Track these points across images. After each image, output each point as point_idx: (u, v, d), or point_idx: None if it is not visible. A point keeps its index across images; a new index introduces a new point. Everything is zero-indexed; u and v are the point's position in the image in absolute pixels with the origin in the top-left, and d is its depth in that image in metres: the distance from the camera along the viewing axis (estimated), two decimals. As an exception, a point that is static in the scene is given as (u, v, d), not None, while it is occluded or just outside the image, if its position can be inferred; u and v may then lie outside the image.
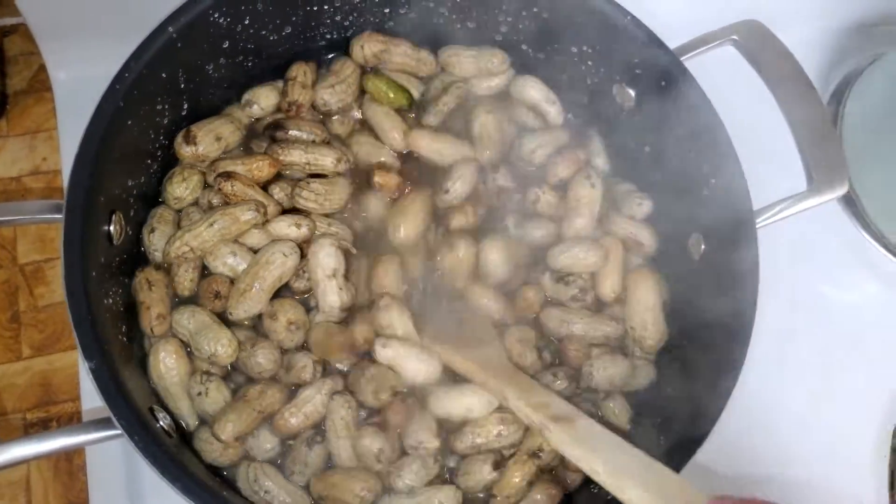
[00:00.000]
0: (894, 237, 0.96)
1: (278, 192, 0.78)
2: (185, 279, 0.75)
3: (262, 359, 0.72)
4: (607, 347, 0.78)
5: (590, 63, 0.82)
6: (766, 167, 0.77)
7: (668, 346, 0.77)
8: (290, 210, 0.78)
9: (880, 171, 1.00)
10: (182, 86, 0.75)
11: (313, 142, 0.80)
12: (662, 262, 0.81)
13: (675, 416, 0.70)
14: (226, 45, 0.77)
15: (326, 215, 0.79)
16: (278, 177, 0.79)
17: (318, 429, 0.72)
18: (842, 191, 0.72)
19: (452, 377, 0.74)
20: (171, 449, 0.60)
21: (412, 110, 0.85)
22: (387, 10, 0.83)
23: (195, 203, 0.78)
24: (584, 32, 0.79)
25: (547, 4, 0.79)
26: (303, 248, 0.76)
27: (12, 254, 0.97)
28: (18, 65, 1.05)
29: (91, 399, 0.77)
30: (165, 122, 0.76)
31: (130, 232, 0.73)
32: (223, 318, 0.73)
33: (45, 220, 0.64)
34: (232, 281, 0.75)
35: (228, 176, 0.74)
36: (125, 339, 0.69)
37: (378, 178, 0.80)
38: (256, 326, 0.75)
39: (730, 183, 0.71)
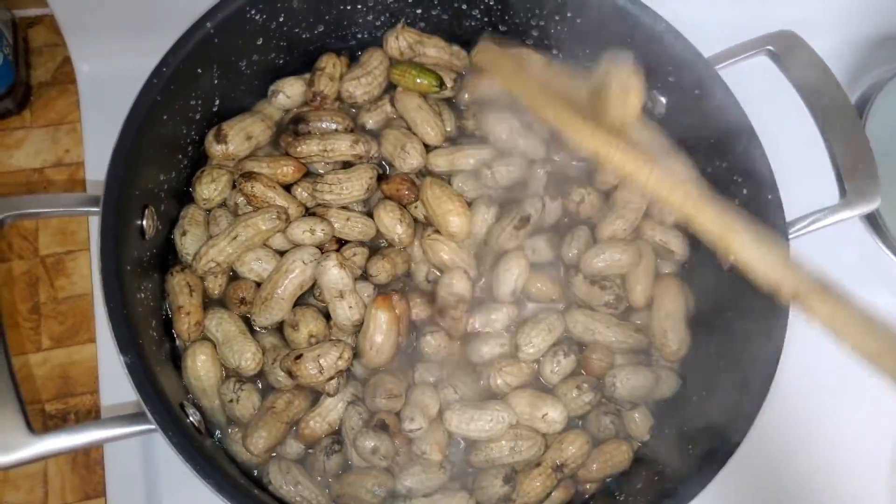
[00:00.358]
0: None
1: (300, 192, 0.78)
2: (215, 284, 0.76)
3: (283, 380, 0.72)
4: (631, 356, 0.78)
5: (621, 69, 0.81)
6: (797, 177, 0.77)
7: (695, 354, 0.77)
8: (313, 209, 0.78)
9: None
10: (215, 81, 0.75)
11: (334, 131, 0.79)
12: (692, 270, 0.81)
13: (703, 424, 0.70)
14: (259, 41, 0.77)
15: (345, 207, 0.78)
16: (306, 174, 0.79)
17: (337, 436, 0.73)
18: (874, 205, 0.72)
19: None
20: (203, 445, 0.60)
21: (442, 90, 0.83)
22: (419, 11, 0.83)
23: (223, 204, 0.77)
24: (617, 39, 0.78)
25: (580, 10, 0.78)
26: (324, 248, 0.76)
27: (34, 245, 0.97)
28: (42, 56, 1.05)
29: (110, 395, 0.77)
30: (197, 117, 0.76)
31: (161, 227, 0.72)
32: (250, 324, 0.74)
33: (81, 213, 0.64)
34: (258, 285, 0.75)
35: (249, 176, 0.74)
36: (155, 333, 0.68)
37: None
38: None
39: (762, 194, 0.71)
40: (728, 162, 0.75)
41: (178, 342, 0.73)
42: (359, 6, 0.80)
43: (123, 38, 0.94)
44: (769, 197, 0.71)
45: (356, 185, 0.76)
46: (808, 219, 0.73)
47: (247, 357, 0.71)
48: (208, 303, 0.75)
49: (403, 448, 0.71)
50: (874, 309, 0.55)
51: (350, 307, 0.73)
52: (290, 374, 0.70)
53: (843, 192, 0.73)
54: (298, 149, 0.77)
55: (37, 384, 0.92)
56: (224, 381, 0.72)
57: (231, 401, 0.71)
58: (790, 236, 0.71)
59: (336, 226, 0.76)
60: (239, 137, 0.77)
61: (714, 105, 0.75)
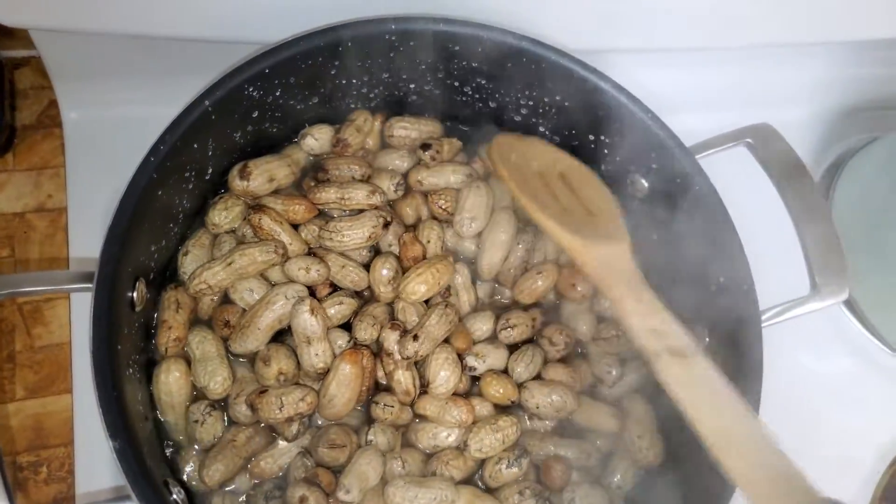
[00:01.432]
0: (882, 326, 1.00)
1: (308, 231, 0.80)
2: (206, 304, 0.78)
3: (242, 413, 0.73)
4: (586, 474, 0.79)
5: (605, 151, 0.84)
6: (769, 266, 0.80)
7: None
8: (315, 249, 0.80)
9: (869, 257, 1.03)
10: (209, 153, 0.76)
11: (352, 178, 0.82)
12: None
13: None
14: (255, 114, 0.78)
15: (344, 254, 0.80)
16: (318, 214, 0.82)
17: (281, 481, 0.74)
18: (843, 297, 0.76)
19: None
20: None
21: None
22: (412, 86, 0.84)
23: (232, 231, 0.80)
24: (604, 123, 0.81)
25: (569, 94, 0.81)
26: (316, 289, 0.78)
27: (24, 296, 0.96)
28: (28, 98, 1.04)
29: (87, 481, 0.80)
30: (190, 187, 0.76)
31: (149, 296, 0.73)
32: (230, 350, 0.76)
33: (74, 290, 0.64)
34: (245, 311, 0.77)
35: (259, 209, 0.77)
36: (141, 407, 0.69)
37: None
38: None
39: (738, 285, 0.73)
40: (705, 249, 0.78)
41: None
42: (354, 80, 0.81)
43: (113, 89, 0.95)
44: (744, 287, 0.74)
45: (359, 232, 0.78)
46: (779, 308, 0.76)
47: (217, 380, 0.73)
48: (195, 321, 0.78)
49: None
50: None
51: (316, 355, 0.74)
52: (251, 407, 0.72)
53: (813, 283, 0.76)
54: (318, 195, 0.80)
55: (9, 436, 0.91)
56: (195, 402, 0.74)
57: (197, 421, 0.73)
58: (763, 325, 0.74)
59: (332, 270, 0.78)
60: (262, 178, 0.79)
61: (694, 192, 0.77)
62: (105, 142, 0.98)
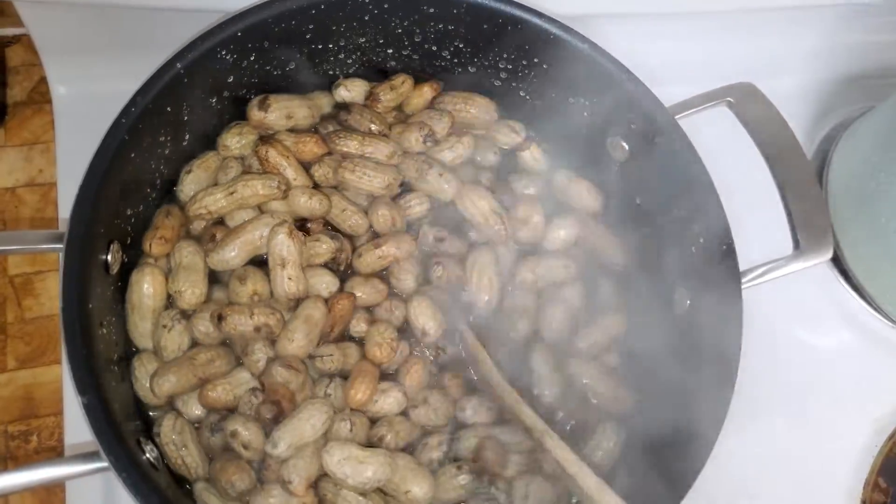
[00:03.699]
0: (879, 297, 0.98)
1: (322, 169, 0.80)
2: (199, 224, 0.79)
3: (202, 325, 0.72)
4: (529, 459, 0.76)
5: (586, 114, 0.83)
6: (753, 227, 0.79)
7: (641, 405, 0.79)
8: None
9: (865, 227, 1.01)
10: (185, 118, 0.76)
11: (370, 132, 0.82)
12: (646, 312, 0.83)
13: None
14: (230, 79, 0.78)
15: (346, 198, 0.80)
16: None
17: (228, 413, 0.72)
18: (826, 256, 0.74)
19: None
20: (159, 485, 0.60)
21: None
22: (390, 51, 0.84)
23: (241, 158, 0.80)
24: (584, 85, 0.80)
25: (548, 56, 0.80)
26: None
27: (2, 265, 0.98)
28: (19, 75, 1.06)
29: (75, 419, 0.78)
30: (167, 152, 0.76)
31: (126, 260, 0.73)
32: (213, 277, 0.76)
33: (44, 251, 0.64)
34: None
35: (267, 140, 0.78)
36: (115, 367, 0.69)
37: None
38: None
39: (718, 245, 0.72)
40: (685, 210, 0.77)
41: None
42: (330, 45, 0.81)
43: (101, 63, 0.95)
44: (724, 247, 0.73)
45: (379, 178, 0.79)
46: (761, 268, 0.75)
47: (194, 291, 0.73)
48: (185, 236, 0.78)
49: (275, 463, 0.69)
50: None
51: (289, 278, 0.73)
52: (219, 318, 0.71)
53: (796, 243, 0.75)
54: (338, 142, 0.80)
55: (1, 405, 0.92)
56: (167, 309, 0.74)
57: (165, 326, 0.72)
58: (743, 286, 0.73)
59: (333, 210, 0.79)
60: (280, 112, 0.81)
61: (673, 154, 0.76)
62: (95, 116, 0.97)
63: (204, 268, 0.75)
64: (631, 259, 0.84)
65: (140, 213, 0.75)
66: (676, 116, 0.77)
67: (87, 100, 0.97)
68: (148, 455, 0.66)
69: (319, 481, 0.70)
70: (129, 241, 0.74)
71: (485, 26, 0.79)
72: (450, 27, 0.80)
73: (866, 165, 1.03)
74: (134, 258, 0.75)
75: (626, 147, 0.81)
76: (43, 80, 1.03)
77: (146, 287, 0.73)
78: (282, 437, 0.68)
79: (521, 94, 0.86)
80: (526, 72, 0.83)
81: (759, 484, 0.89)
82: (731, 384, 0.68)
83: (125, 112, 0.68)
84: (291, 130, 0.82)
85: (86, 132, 0.98)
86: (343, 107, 0.84)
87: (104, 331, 0.67)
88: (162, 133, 0.74)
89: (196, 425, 0.72)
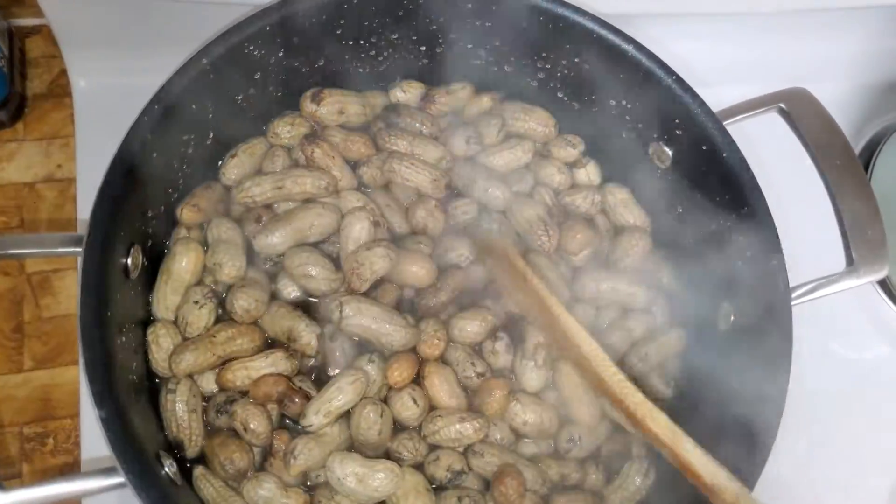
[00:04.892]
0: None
1: (369, 171, 0.79)
2: (240, 208, 0.78)
3: (244, 301, 0.71)
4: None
5: (627, 118, 0.80)
6: (803, 240, 0.76)
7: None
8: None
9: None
10: (210, 116, 0.73)
11: (420, 133, 0.81)
12: (688, 328, 0.79)
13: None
14: (257, 76, 0.75)
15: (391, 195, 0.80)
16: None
17: (237, 396, 0.71)
18: (882, 274, 0.71)
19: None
20: (178, 501, 0.58)
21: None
22: (422, 48, 0.81)
23: (288, 149, 0.80)
24: (625, 87, 0.77)
25: (589, 57, 0.77)
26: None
27: (20, 262, 0.95)
28: (39, 67, 1.03)
29: (92, 437, 0.76)
30: (189, 151, 0.74)
31: (147, 263, 0.70)
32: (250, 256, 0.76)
33: (62, 254, 0.61)
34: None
35: (314, 139, 0.77)
36: (135, 377, 0.66)
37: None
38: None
39: (767, 260, 0.69)
40: (732, 221, 0.73)
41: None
42: (362, 42, 0.78)
43: (122, 56, 0.93)
44: (773, 262, 0.69)
45: (427, 173, 0.78)
46: (812, 284, 0.71)
47: (235, 264, 0.72)
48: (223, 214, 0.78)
49: (279, 451, 0.68)
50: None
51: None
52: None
53: (849, 259, 0.71)
54: (388, 139, 0.79)
55: (16, 406, 0.90)
56: (199, 285, 0.73)
57: (196, 303, 0.71)
58: (793, 303, 0.69)
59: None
60: (333, 107, 0.80)
61: (721, 161, 0.73)
62: (116, 111, 0.94)
63: (242, 243, 0.75)
64: (674, 273, 0.80)
65: (161, 215, 0.73)
66: (725, 122, 0.73)
67: (108, 94, 0.95)
68: (167, 470, 0.63)
69: (315, 490, 0.68)
70: (149, 244, 0.71)
71: (524, 24, 0.76)
72: (486, 24, 0.77)
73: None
74: (156, 261, 0.72)
75: (670, 153, 0.78)
76: (63, 73, 1.00)
77: (185, 261, 0.72)
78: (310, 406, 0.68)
79: (559, 95, 0.83)
80: (565, 72, 0.80)
81: (798, 499, 0.86)
82: (779, 415, 0.65)
83: (148, 110, 0.65)
84: (342, 126, 0.81)
85: (107, 127, 0.95)
86: (392, 108, 0.82)
87: (123, 339, 0.64)
88: (185, 132, 0.71)
89: (203, 403, 0.72)
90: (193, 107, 0.70)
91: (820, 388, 0.90)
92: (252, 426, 0.68)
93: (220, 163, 0.78)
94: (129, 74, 0.94)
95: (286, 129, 0.79)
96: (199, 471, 0.68)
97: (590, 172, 0.85)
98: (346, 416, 0.70)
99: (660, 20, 0.84)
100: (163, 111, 0.66)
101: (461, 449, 0.72)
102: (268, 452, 0.70)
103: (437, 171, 0.79)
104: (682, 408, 0.77)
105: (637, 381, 0.71)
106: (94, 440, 0.78)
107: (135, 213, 0.67)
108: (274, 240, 0.73)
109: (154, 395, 0.70)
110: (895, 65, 1.09)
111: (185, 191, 0.76)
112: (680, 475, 0.62)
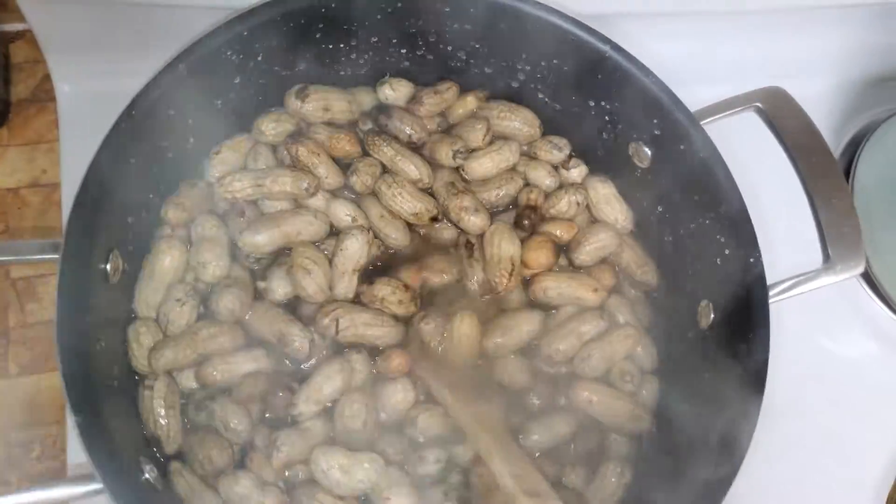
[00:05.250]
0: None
1: (360, 179, 0.78)
2: (224, 204, 0.78)
3: (229, 302, 0.71)
4: None
5: (607, 118, 0.80)
6: (781, 237, 0.76)
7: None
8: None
9: (892, 233, 0.98)
10: (189, 121, 0.73)
11: (409, 141, 0.80)
12: (669, 325, 0.79)
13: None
14: (236, 80, 0.75)
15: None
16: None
17: (219, 393, 0.71)
18: (858, 270, 0.71)
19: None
20: (156, 506, 0.58)
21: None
22: (403, 51, 0.81)
23: (273, 147, 0.79)
24: (605, 88, 0.77)
25: (568, 58, 0.77)
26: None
27: (5, 268, 0.95)
28: (23, 72, 1.03)
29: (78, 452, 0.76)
30: (169, 155, 0.74)
31: (128, 268, 0.71)
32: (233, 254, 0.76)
33: (42, 261, 0.62)
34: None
35: (298, 139, 0.77)
36: (115, 382, 0.67)
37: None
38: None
39: (745, 258, 0.69)
40: (710, 219, 0.73)
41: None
42: (341, 45, 0.78)
43: (105, 59, 0.92)
44: (751, 260, 0.70)
45: (410, 205, 0.78)
46: (789, 282, 0.71)
47: (219, 264, 0.73)
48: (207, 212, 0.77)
49: (260, 448, 0.69)
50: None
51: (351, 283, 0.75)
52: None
53: (826, 256, 0.71)
54: (374, 145, 0.79)
55: (2, 412, 0.90)
56: (181, 283, 0.73)
57: (178, 300, 0.71)
58: (771, 300, 0.69)
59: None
60: (318, 103, 0.79)
61: (698, 160, 0.73)
62: (100, 116, 0.95)
63: (227, 242, 0.75)
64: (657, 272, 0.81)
65: (142, 219, 0.73)
66: (702, 122, 0.74)
67: (92, 98, 0.94)
68: (147, 475, 0.63)
69: (296, 489, 0.68)
70: (130, 249, 0.71)
71: (502, 25, 0.76)
72: (466, 26, 0.77)
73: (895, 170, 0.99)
74: (135, 267, 0.72)
75: (649, 153, 0.78)
76: (47, 78, 1.00)
77: (168, 260, 0.72)
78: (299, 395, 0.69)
79: (540, 96, 0.83)
80: (544, 73, 0.80)
81: (783, 494, 0.86)
82: (758, 407, 0.65)
83: (125, 116, 0.65)
84: (328, 124, 0.80)
85: (91, 132, 0.95)
86: (383, 109, 0.82)
87: (102, 344, 0.64)
88: (164, 137, 0.71)
89: (182, 401, 0.71)
90: (171, 112, 0.70)
91: (802, 380, 0.90)
92: (232, 424, 0.68)
93: (200, 165, 0.78)
94: (113, 79, 0.93)
95: (271, 127, 0.79)
96: (175, 465, 0.68)
97: (578, 174, 0.84)
98: (331, 413, 0.71)
99: (634, 18, 0.84)
100: (140, 117, 0.66)
101: None
102: (248, 449, 0.70)
103: (421, 205, 0.78)
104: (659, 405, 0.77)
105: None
106: (80, 446, 0.79)
107: (113, 219, 0.67)
108: (259, 239, 0.74)
109: (135, 399, 0.70)
110: (877, 61, 1.08)
111: (165, 194, 0.76)
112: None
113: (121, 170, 0.66)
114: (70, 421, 0.79)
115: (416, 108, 0.81)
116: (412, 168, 0.78)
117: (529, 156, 0.84)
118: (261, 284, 0.75)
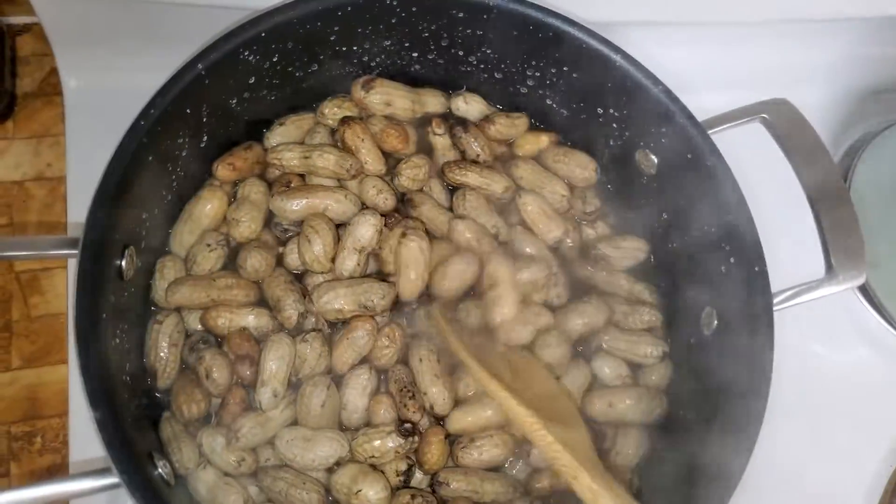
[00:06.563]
0: (896, 310, 0.97)
1: (406, 179, 0.80)
2: (274, 172, 0.81)
3: (256, 261, 0.74)
4: None
5: (614, 125, 0.81)
6: (784, 247, 0.77)
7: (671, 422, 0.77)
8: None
9: (887, 243, 1.00)
10: (204, 120, 0.74)
11: (486, 163, 0.82)
12: (672, 330, 0.81)
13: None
14: (252, 80, 0.75)
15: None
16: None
17: (211, 339, 0.73)
18: (860, 280, 0.72)
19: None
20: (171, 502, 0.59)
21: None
22: (415, 54, 0.82)
23: (331, 129, 0.82)
24: (614, 95, 0.78)
25: (579, 66, 0.78)
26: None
27: (8, 261, 0.95)
28: (30, 65, 1.03)
29: (81, 438, 0.76)
30: (184, 154, 0.74)
31: (141, 264, 0.71)
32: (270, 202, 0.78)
33: (56, 257, 0.62)
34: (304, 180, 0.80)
35: (347, 121, 0.78)
36: (128, 378, 0.67)
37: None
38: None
39: (750, 267, 0.70)
40: (716, 227, 0.75)
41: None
42: (354, 47, 0.79)
43: (113, 54, 0.93)
44: (756, 269, 0.71)
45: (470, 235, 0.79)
46: (793, 290, 0.73)
47: (251, 225, 0.76)
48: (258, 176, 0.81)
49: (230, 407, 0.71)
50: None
51: (358, 264, 0.75)
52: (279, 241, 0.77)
53: (829, 266, 0.73)
54: (456, 173, 0.81)
55: (3, 405, 0.90)
56: (215, 230, 0.76)
57: (209, 245, 0.74)
58: (774, 308, 0.71)
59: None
60: (381, 96, 0.81)
61: (704, 169, 0.74)
62: (106, 110, 0.94)
63: (266, 209, 0.77)
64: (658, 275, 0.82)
65: (156, 217, 0.73)
66: (710, 131, 0.75)
67: (99, 93, 0.95)
68: (161, 470, 0.64)
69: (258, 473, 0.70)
70: (143, 245, 0.71)
71: (514, 32, 0.77)
72: (478, 32, 0.78)
73: (891, 180, 1.01)
74: (149, 263, 0.73)
75: (656, 160, 0.79)
76: (53, 72, 1.00)
77: (209, 207, 0.76)
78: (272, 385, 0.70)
79: (548, 102, 0.84)
80: (554, 80, 0.81)
81: (775, 500, 0.87)
82: (760, 414, 0.66)
83: (144, 114, 0.65)
84: (388, 118, 0.82)
85: (97, 127, 0.96)
86: (461, 120, 0.83)
87: (118, 341, 0.65)
88: (180, 135, 0.72)
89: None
90: (188, 111, 0.70)
91: (801, 389, 0.92)
92: (214, 375, 0.70)
93: (215, 161, 0.79)
94: (120, 74, 0.94)
95: (334, 111, 0.81)
96: (166, 414, 0.71)
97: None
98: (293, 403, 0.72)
99: (641, 28, 0.85)
100: (158, 115, 0.66)
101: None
102: (221, 404, 0.71)
103: (478, 233, 0.79)
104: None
105: None
106: (82, 439, 0.79)
107: (130, 216, 0.68)
108: (287, 205, 0.76)
109: (148, 394, 0.71)
110: (875, 72, 1.10)
111: (180, 192, 0.76)
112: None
113: (139, 167, 0.66)
114: (73, 415, 0.81)
115: (487, 127, 0.83)
116: (500, 182, 0.81)
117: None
118: (281, 250, 0.78)
